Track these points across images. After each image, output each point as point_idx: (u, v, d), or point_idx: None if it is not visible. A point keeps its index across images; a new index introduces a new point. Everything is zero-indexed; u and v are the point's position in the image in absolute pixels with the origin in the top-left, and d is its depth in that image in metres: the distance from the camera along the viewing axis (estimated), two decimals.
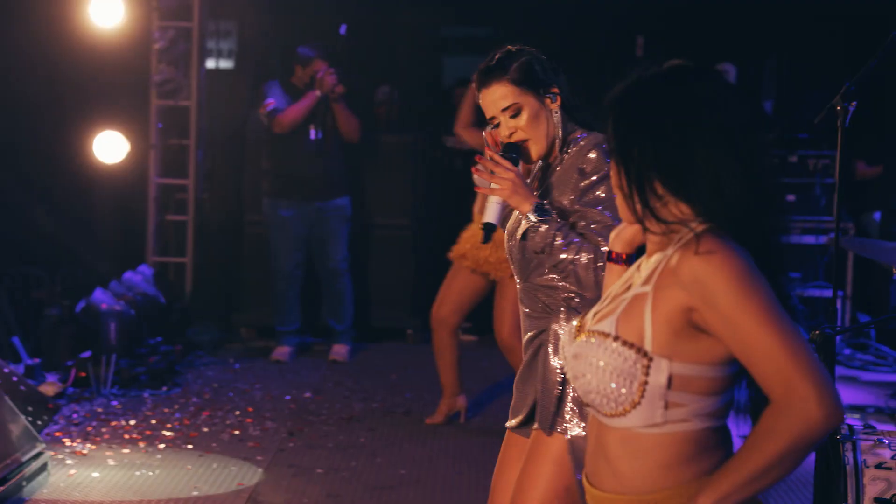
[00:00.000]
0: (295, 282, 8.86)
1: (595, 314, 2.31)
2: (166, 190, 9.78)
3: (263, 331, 9.42)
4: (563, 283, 3.35)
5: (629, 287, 2.28)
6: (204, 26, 9.74)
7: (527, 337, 3.47)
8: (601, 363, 2.19)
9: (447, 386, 7.14)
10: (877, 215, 9.61)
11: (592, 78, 10.74)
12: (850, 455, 4.24)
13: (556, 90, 3.45)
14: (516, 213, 3.49)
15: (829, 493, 4.30)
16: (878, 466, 4.27)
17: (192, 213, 9.69)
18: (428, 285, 9.77)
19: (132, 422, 6.94)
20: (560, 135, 3.44)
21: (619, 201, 2.30)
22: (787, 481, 6.02)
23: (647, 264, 2.29)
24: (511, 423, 3.53)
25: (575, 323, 2.36)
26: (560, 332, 3.35)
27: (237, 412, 7.29)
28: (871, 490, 4.22)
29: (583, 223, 3.33)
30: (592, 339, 2.22)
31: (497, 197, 3.40)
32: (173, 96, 9.56)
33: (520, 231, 3.41)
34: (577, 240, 3.29)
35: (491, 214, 3.44)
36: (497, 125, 3.46)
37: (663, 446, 2.16)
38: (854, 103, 4.82)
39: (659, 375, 2.15)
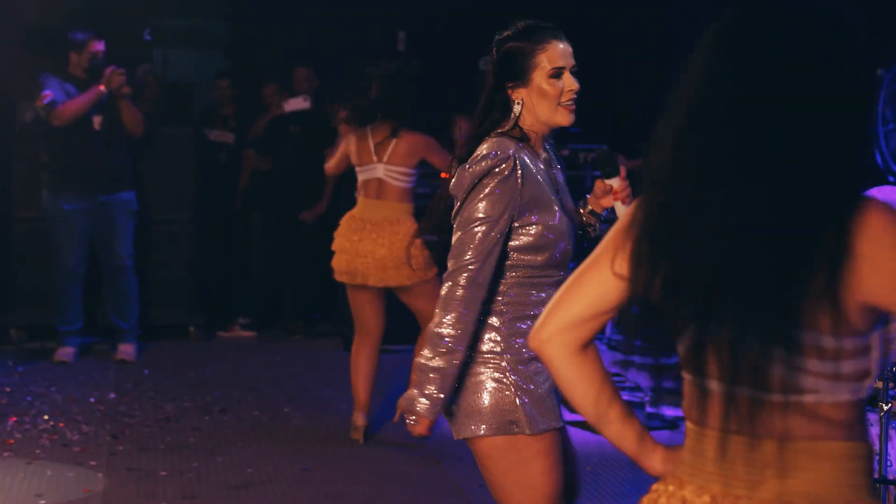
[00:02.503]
0: (78, 279, 8.49)
1: None
2: None
3: (35, 331, 8.97)
4: None
5: None
6: None
7: None
8: None
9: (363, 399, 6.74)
10: None
11: (354, 73, 10.79)
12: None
13: None
14: (559, 209, 3.51)
15: None
16: None
17: None
18: (211, 282, 9.58)
19: None
20: None
21: None
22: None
23: None
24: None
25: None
26: None
27: (45, 416, 6.94)
28: None
29: None
30: None
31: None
32: None
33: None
34: None
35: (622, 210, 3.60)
36: (558, 75, 3.53)
37: None
38: None
39: None
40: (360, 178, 6.67)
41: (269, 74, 10.03)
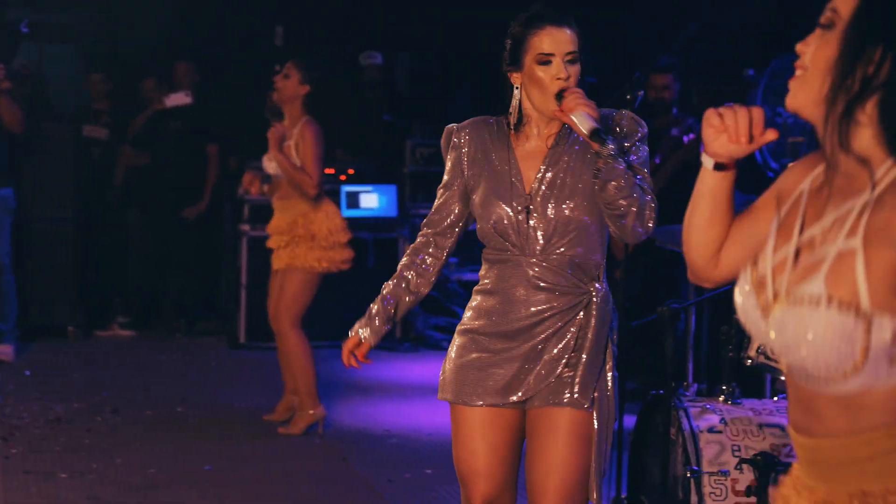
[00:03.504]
0: None
1: (781, 275, 2.11)
2: None
3: None
4: (595, 257, 3.46)
5: (816, 241, 2.09)
6: None
7: (536, 309, 3.45)
8: (816, 330, 2.02)
9: (308, 394, 6.66)
10: None
11: (232, 67, 10.69)
12: (685, 422, 4.53)
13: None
14: (499, 183, 3.49)
15: (666, 459, 4.57)
16: (710, 430, 4.58)
17: None
18: (90, 281, 9.37)
19: None
20: None
21: (802, 95, 2.09)
22: None
23: (833, 211, 2.08)
24: (514, 398, 3.51)
25: (749, 288, 2.15)
26: (595, 299, 3.43)
27: None
28: (708, 453, 4.54)
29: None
30: (800, 306, 2.04)
31: (583, 113, 3.32)
32: None
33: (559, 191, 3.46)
34: (636, 184, 3.38)
35: (588, 123, 3.31)
36: (547, 63, 3.43)
37: (890, 401, 2.04)
38: (641, 92, 5.13)
39: (882, 333, 2.00)
40: None
41: (146, 69, 9.85)
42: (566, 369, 3.45)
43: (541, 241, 3.47)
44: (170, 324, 9.54)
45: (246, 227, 8.92)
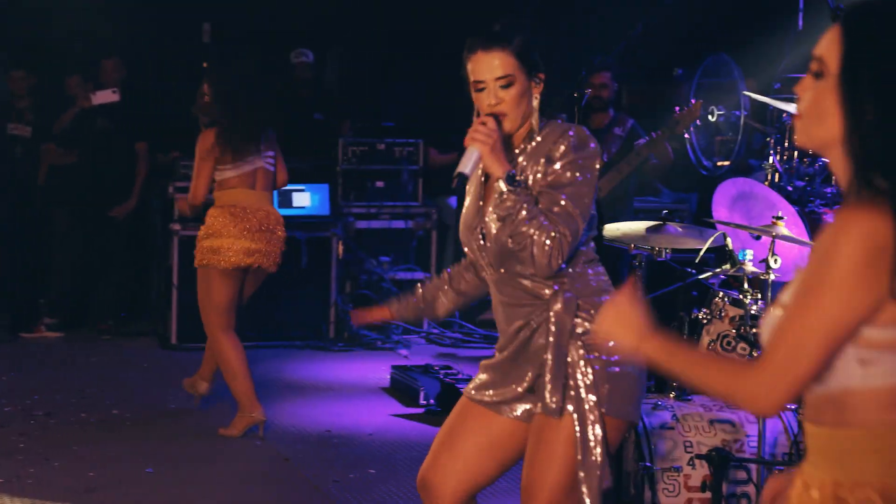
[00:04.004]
0: None
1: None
2: None
3: None
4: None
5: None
6: None
7: (514, 327, 3.47)
8: None
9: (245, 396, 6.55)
10: (451, 200, 10.15)
11: (160, 64, 10.57)
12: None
13: (542, 76, 3.47)
14: (469, 204, 3.52)
15: (619, 456, 4.58)
16: (662, 427, 4.61)
17: None
18: (15, 282, 9.21)
19: None
20: (534, 121, 3.45)
21: (803, 137, 2.19)
22: None
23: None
24: (485, 396, 3.53)
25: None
26: (557, 310, 3.36)
27: None
28: (660, 449, 4.56)
29: (543, 205, 3.35)
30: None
31: (474, 153, 3.34)
32: None
33: (492, 219, 3.41)
34: (542, 218, 3.31)
35: (466, 165, 3.34)
36: (481, 90, 3.42)
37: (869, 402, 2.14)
38: (589, 90, 5.16)
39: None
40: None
41: (70, 66, 9.69)
42: (538, 378, 3.43)
43: (494, 261, 3.49)
44: (98, 325, 9.39)
45: (177, 227, 8.81)
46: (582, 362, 3.37)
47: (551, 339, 3.37)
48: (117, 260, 9.50)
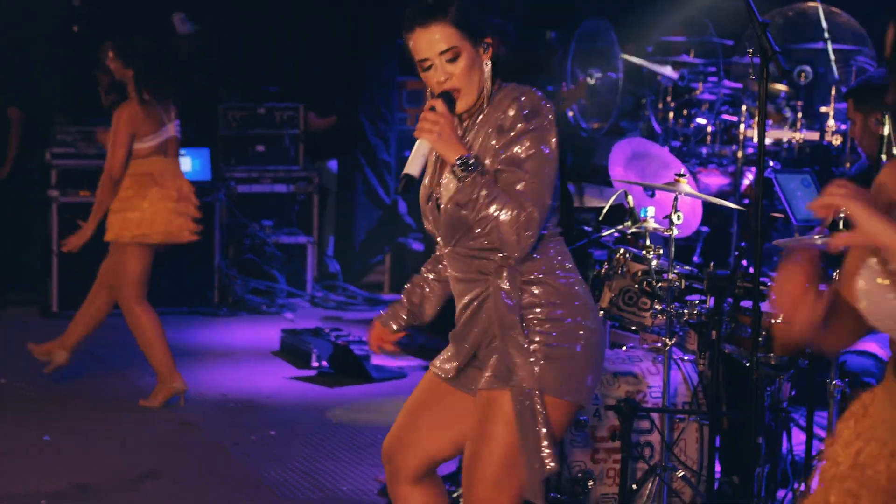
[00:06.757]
0: None
1: None
2: None
3: None
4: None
5: None
6: None
7: (463, 302, 3.39)
8: None
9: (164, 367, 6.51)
10: (332, 164, 10.16)
11: (30, 29, 10.35)
12: None
13: (489, 40, 3.31)
14: (427, 176, 3.41)
15: None
16: None
17: None
18: None
19: None
20: (487, 88, 3.29)
21: None
22: None
23: None
24: (448, 369, 3.48)
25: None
26: (500, 285, 3.26)
27: None
28: None
29: (505, 184, 3.21)
30: None
31: (424, 145, 3.23)
32: None
33: (445, 191, 3.31)
34: (502, 196, 3.19)
35: (414, 165, 3.22)
36: (428, 68, 3.29)
37: None
38: None
39: None
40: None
41: None
42: (482, 354, 3.39)
43: (445, 236, 3.39)
44: None
45: (55, 193, 8.68)
46: (522, 339, 3.26)
47: (494, 314, 3.29)
48: None
